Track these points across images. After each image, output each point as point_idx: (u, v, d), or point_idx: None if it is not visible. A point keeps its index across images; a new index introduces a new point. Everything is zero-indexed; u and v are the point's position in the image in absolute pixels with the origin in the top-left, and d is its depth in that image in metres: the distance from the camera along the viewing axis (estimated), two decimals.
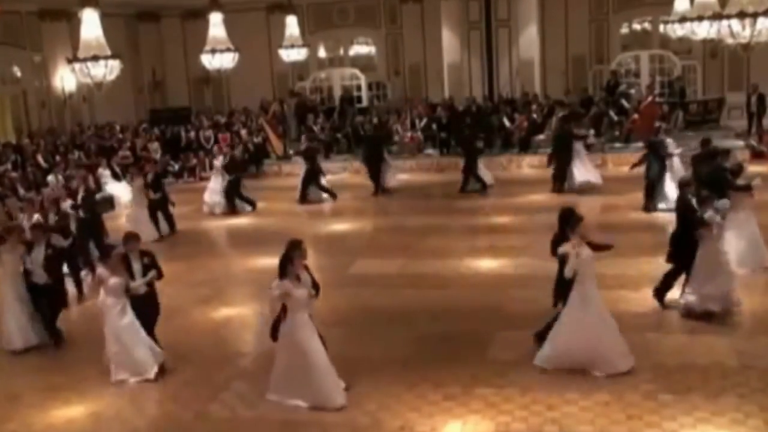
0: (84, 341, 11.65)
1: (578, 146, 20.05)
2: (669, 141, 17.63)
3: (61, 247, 12.29)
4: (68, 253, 13.09)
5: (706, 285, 10.76)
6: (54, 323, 11.68)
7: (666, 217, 16.61)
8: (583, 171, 19.83)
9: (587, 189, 19.17)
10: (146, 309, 10.27)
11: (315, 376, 8.91)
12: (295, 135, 28.26)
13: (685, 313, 10.94)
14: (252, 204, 20.07)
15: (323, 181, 21.14)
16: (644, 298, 11.73)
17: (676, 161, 17.57)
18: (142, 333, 10.08)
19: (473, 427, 8.37)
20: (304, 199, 20.76)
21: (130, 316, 9.98)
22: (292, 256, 8.85)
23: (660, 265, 13.16)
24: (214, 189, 20.13)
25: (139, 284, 10.15)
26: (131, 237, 10.57)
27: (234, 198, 19.83)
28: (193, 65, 27.90)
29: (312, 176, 20.87)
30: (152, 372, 9.98)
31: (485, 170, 21.17)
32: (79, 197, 15.55)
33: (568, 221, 9.42)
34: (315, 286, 9.21)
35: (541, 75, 28.53)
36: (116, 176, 22.07)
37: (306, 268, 9.23)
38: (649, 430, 8.07)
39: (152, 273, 10.28)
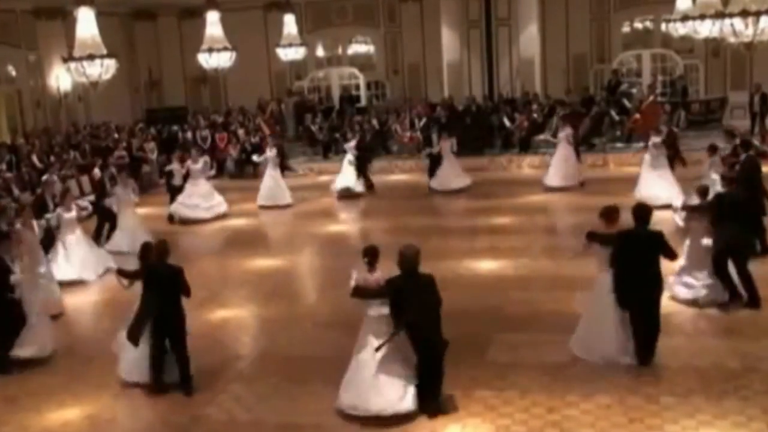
0: (77, 344, 11.66)
1: (560, 147, 20.21)
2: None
3: None
4: None
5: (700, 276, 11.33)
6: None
7: (666, 216, 16.66)
8: (550, 172, 20.26)
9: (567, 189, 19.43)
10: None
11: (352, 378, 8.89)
12: (294, 135, 28.31)
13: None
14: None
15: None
16: None
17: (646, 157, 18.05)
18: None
19: (473, 430, 8.36)
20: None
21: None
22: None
23: (663, 267, 13.21)
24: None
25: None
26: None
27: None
28: (190, 64, 27.89)
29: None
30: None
31: (464, 173, 21.15)
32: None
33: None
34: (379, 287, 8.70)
35: (541, 74, 28.52)
36: (112, 177, 22.01)
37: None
38: None
39: None
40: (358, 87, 31.07)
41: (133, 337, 9.60)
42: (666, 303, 11.57)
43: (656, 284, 9.53)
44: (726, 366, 9.43)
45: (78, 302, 13.59)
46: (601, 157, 23.17)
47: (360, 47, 32.12)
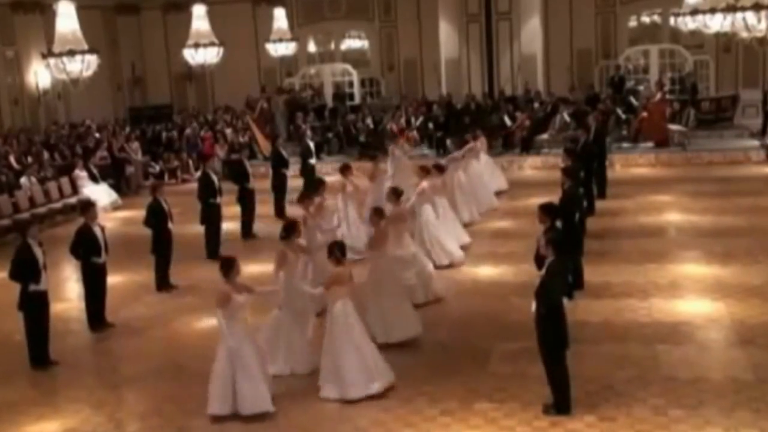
0: (59, 355, 11.64)
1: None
2: None
3: None
4: None
5: None
6: None
7: (674, 221, 16.73)
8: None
9: None
10: None
11: None
12: (286, 135, 28.29)
13: None
14: None
15: None
16: (652, 307, 11.78)
17: None
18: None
19: None
20: None
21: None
22: None
23: (668, 273, 13.26)
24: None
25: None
26: None
27: None
28: (175, 60, 27.94)
29: None
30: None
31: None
32: None
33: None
34: None
35: (544, 71, 28.54)
36: (94, 178, 22.05)
37: None
38: None
39: None
40: (351, 84, 31.07)
41: None
42: (676, 311, 11.67)
43: None
44: (738, 377, 9.45)
45: (60, 311, 13.55)
46: (608, 158, 23.15)
47: (354, 42, 32.17)
